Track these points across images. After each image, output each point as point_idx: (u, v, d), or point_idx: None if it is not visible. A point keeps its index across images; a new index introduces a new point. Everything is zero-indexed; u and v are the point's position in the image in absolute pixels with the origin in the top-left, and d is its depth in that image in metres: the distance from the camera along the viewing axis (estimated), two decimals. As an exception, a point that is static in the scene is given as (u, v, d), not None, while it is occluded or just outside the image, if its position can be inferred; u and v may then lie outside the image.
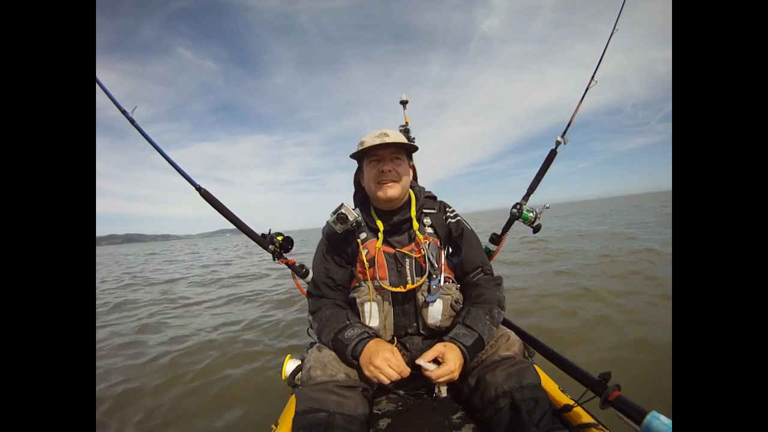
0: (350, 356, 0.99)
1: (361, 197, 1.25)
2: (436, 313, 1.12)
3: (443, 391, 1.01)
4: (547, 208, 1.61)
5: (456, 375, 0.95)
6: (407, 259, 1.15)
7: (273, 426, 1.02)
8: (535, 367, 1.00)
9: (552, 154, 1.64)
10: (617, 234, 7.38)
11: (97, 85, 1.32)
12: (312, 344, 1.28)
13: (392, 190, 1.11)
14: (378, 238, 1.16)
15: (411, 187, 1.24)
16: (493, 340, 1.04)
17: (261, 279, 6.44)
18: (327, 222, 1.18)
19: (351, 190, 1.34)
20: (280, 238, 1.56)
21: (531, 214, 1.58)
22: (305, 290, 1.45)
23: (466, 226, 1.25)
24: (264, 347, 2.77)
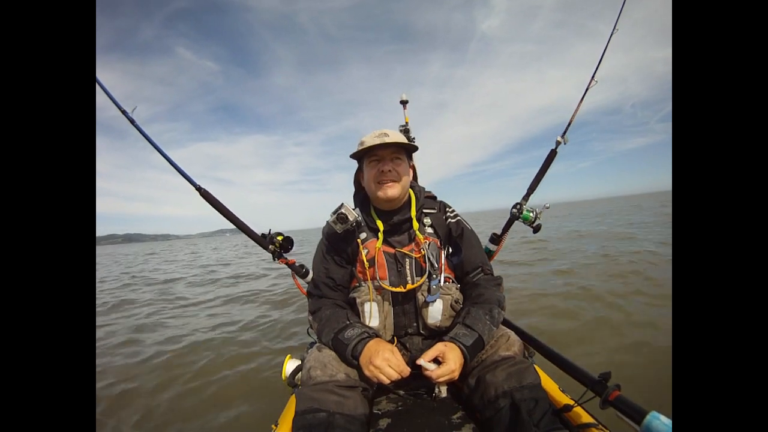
0: (350, 356, 0.99)
1: (361, 197, 1.25)
2: (436, 313, 1.12)
3: (443, 391, 1.01)
4: (547, 208, 1.61)
5: (456, 375, 0.95)
6: (407, 259, 1.15)
7: (273, 426, 1.02)
8: (535, 367, 1.00)
9: (552, 154, 1.64)
10: (617, 234, 7.38)
11: (97, 85, 1.32)
12: (312, 344, 1.28)
13: (392, 190, 1.11)
14: (378, 238, 1.16)
15: (411, 187, 1.24)
16: (493, 340, 1.04)
17: (260, 279, 6.44)
18: (327, 222, 1.18)
19: (351, 190, 1.34)
20: (280, 238, 1.56)
21: (531, 214, 1.58)
22: (305, 290, 1.45)
23: (466, 226, 1.25)
24: (263, 347, 2.77)
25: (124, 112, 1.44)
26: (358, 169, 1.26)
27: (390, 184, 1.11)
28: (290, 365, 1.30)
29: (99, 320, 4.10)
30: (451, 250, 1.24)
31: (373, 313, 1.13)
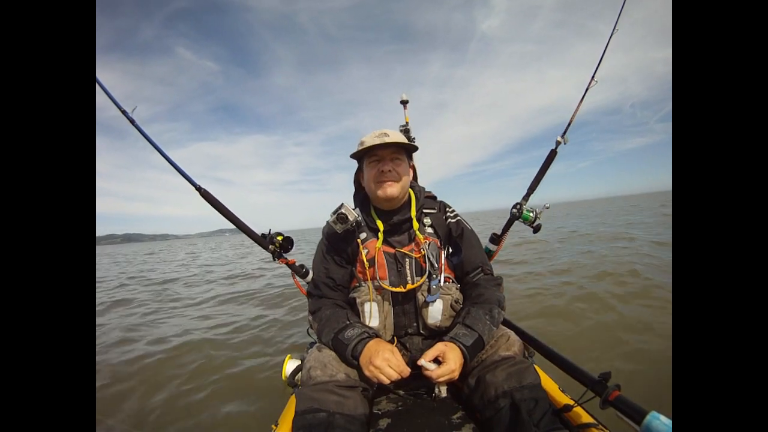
0: (350, 356, 0.99)
1: (361, 197, 1.25)
2: (436, 313, 1.12)
3: (443, 391, 1.01)
4: (547, 208, 1.61)
5: (456, 375, 0.95)
6: (407, 259, 1.15)
7: (273, 426, 1.02)
8: (535, 367, 1.00)
9: (552, 154, 1.64)
10: (617, 235, 7.38)
11: (97, 85, 1.32)
12: (312, 344, 1.28)
13: (392, 189, 1.11)
14: (378, 238, 1.16)
15: (411, 187, 1.24)
16: (493, 340, 1.04)
17: (258, 279, 6.43)
18: (327, 222, 1.18)
19: (351, 190, 1.34)
20: (280, 238, 1.56)
21: (531, 214, 1.58)
22: (305, 290, 1.45)
23: (466, 226, 1.25)
24: (262, 347, 2.77)
25: (124, 112, 1.44)
26: (358, 169, 1.26)
27: (390, 183, 1.11)
28: (290, 365, 1.30)
29: (97, 320, 4.10)
30: (451, 250, 1.24)
31: (373, 313, 1.13)
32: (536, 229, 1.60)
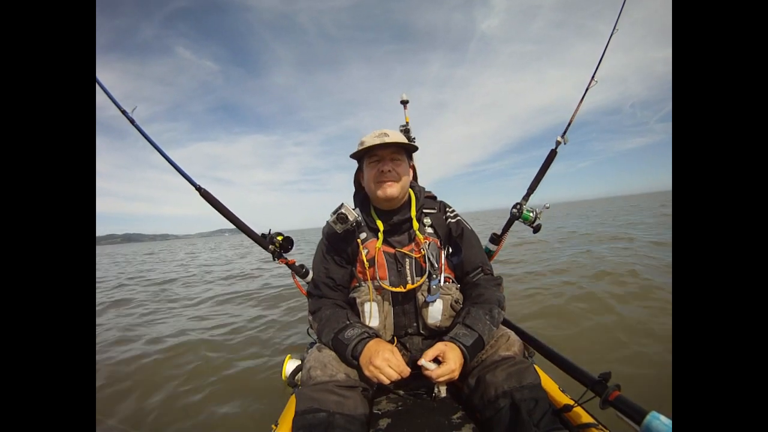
0: (350, 356, 0.99)
1: (361, 197, 1.25)
2: (436, 313, 1.12)
3: (443, 391, 1.01)
4: (547, 208, 1.62)
5: (456, 375, 0.95)
6: (407, 259, 1.15)
7: (273, 426, 1.02)
8: (535, 367, 1.00)
9: (552, 154, 1.64)
10: (616, 235, 7.38)
11: (97, 85, 1.32)
12: (312, 344, 1.28)
13: (391, 190, 1.11)
14: (378, 238, 1.16)
15: (411, 187, 1.24)
16: (493, 340, 1.04)
17: (256, 278, 6.43)
18: (327, 222, 1.18)
19: (350, 190, 1.34)
20: (280, 238, 1.56)
21: (531, 214, 1.58)
22: (305, 290, 1.45)
23: (466, 226, 1.25)
24: (262, 347, 2.76)
25: (124, 112, 1.44)
26: (358, 169, 1.26)
27: (389, 183, 1.10)
28: (290, 365, 1.30)
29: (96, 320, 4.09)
30: (451, 250, 1.24)
31: (373, 313, 1.13)
32: (536, 229, 1.60)
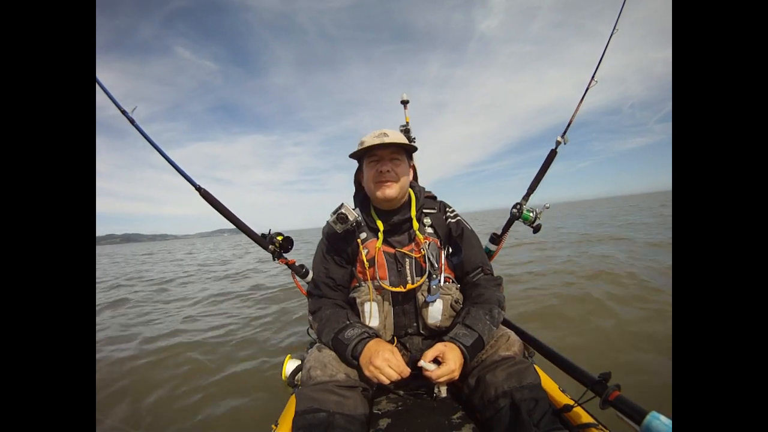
0: (350, 356, 0.98)
1: (361, 197, 1.25)
2: (436, 313, 1.12)
3: (444, 391, 1.01)
4: (547, 208, 1.62)
5: (456, 375, 0.95)
6: (407, 259, 1.15)
7: (273, 426, 1.02)
8: (535, 367, 1.00)
9: (552, 154, 1.64)
10: (615, 236, 7.38)
11: (96, 85, 1.32)
12: (312, 344, 1.28)
13: (390, 190, 1.11)
14: (378, 238, 1.16)
15: (411, 187, 1.24)
16: (493, 340, 1.04)
17: (256, 279, 6.43)
18: (327, 222, 1.18)
19: (349, 190, 1.34)
20: (280, 238, 1.56)
21: (531, 214, 1.58)
22: (305, 290, 1.45)
23: (466, 226, 1.25)
24: (261, 347, 2.76)
25: (124, 112, 1.44)
26: (358, 168, 1.26)
27: (388, 184, 1.10)
28: (290, 365, 1.30)
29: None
30: (451, 250, 1.24)
31: (373, 313, 1.13)
32: (536, 229, 1.60)
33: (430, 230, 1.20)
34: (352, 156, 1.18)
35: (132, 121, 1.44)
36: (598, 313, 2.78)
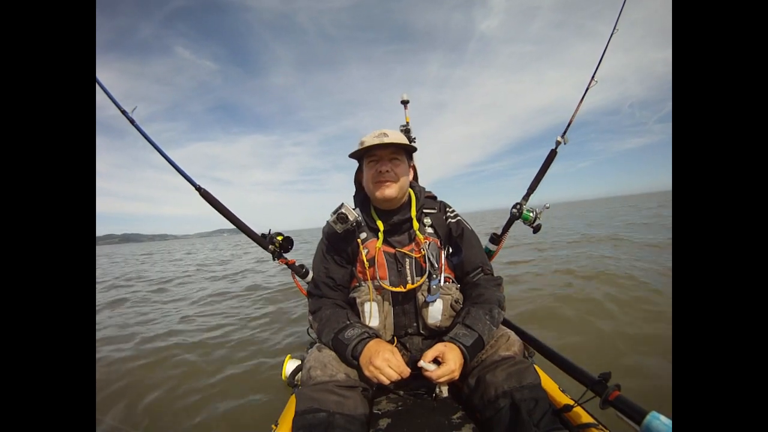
0: (350, 356, 0.98)
1: (362, 197, 1.25)
2: (436, 313, 1.12)
3: (444, 391, 1.01)
4: (547, 208, 1.62)
5: (456, 375, 0.95)
6: (407, 259, 1.15)
7: (273, 426, 1.02)
8: (535, 367, 1.00)
9: (552, 154, 1.65)
10: (614, 236, 7.38)
11: (96, 85, 1.32)
12: (312, 344, 1.28)
13: (389, 190, 1.11)
14: (378, 238, 1.16)
15: (411, 187, 1.24)
16: (493, 340, 1.04)
17: (254, 279, 6.43)
18: (327, 222, 1.18)
19: (349, 190, 1.34)
20: (279, 238, 1.56)
21: (531, 214, 1.58)
22: (305, 290, 1.44)
23: (466, 226, 1.25)
24: (260, 346, 2.76)
25: (124, 113, 1.44)
26: (358, 168, 1.26)
27: (387, 184, 1.10)
28: (290, 365, 1.30)
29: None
30: (451, 250, 1.24)
31: (373, 313, 1.13)
32: (536, 229, 1.60)
33: (430, 230, 1.20)
34: (351, 156, 1.18)
35: (132, 121, 1.44)
36: (597, 314, 2.77)
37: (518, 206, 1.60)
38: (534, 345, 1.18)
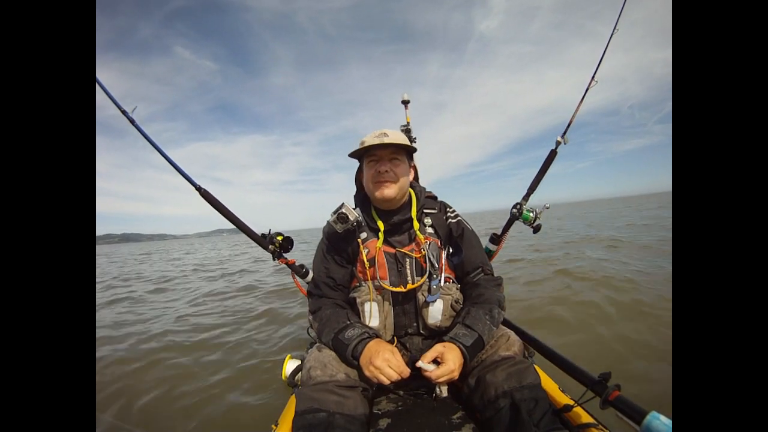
0: (350, 356, 0.99)
1: (362, 197, 1.25)
2: (436, 313, 1.12)
3: (444, 391, 1.01)
4: (547, 208, 1.62)
5: (456, 375, 0.95)
6: (407, 259, 1.15)
7: (273, 426, 1.02)
8: (535, 367, 1.01)
9: (552, 155, 1.65)
10: (613, 237, 7.38)
11: (96, 85, 1.32)
12: (312, 344, 1.28)
13: (389, 191, 1.11)
14: (378, 238, 1.16)
15: (412, 187, 1.24)
16: (493, 340, 1.04)
17: (253, 279, 6.42)
18: (328, 221, 1.18)
19: (348, 190, 1.34)
20: (279, 238, 1.56)
21: (531, 215, 1.58)
22: (305, 290, 1.44)
23: (466, 227, 1.25)
24: (260, 346, 2.76)
25: (124, 113, 1.44)
26: (358, 168, 1.26)
27: (387, 184, 1.10)
28: (290, 365, 1.30)
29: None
30: (451, 250, 1.24)
31: (373, 313, 1.13)
32: (536, 229, 1.60)
33: (430, 230, 1.20)
34: (351, 155, 1.18)
35: (132, 121, 1.44)
36: (597, 317, 2.76)
37: (518, 206, 1.60)
38: (534, 345, 1.18)
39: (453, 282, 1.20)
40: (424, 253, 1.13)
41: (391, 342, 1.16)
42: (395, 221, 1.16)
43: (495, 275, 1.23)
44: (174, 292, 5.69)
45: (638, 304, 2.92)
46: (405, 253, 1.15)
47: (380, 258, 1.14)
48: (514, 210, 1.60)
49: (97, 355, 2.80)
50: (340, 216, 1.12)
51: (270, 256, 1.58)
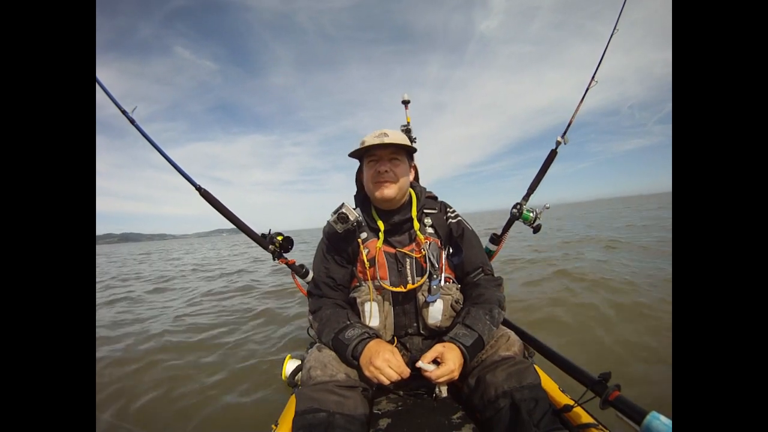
0: (350, 356, 0.99)
1: (362, 197, 1.25)
2: (436, 313, 1.13)
3: (444, 391, 1.01)
4: (548, 208, 1.62)
5: (456, 375, 0.95)
6: (408, 259, 1.15)
7: (273, 426, 1.02)
8: (535, 367, 1.01)
9: (552, 155, 1.65)
10: (612, 238, 7.38)
11: (96, 85, 1.31)
12: (312, 344, 1.28)
13: (388, 191, 1.11)
14: (379, 238, 1.16)
15: (412, 187, 1.24)
16: (493, 340, 1.04)
17: (252, 279, 6.42)
18: (328, 221, 1.18)
19: (348, 190, 1.34)
20: (280, 238, 1.56)
21: (531, 215, 1.59)
22: (305, 290, 1.44)
23: (466, 227, 1.25)
24: (260, 346, 2.76)
25: (124, 112, 1.44)
26: (359, 168, 1.26)
27: (387, 184, 1.10)
28: (290, 365, 1.30)
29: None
30: (451, 250, 1.24)
31: (373, 313, 1.13)
32: (536, 230, 1.60)
33: (430, 230, 1.20)
34: (351, 155, 1.18)
35: (132, 121, 1.44)
36: (596, 319, 2.76)
37: (518, 206, 1.61)
38: (534, 345, 1.18)
39: (453, 282, 1.20)
40: (424, 253, 1.14)
41: (391, 342, 1.16)
42: (395, 221, 1.16)
43: (495, 275, 1.24)
44: (173, 291, 5.69)
45: (638, 306, 2.90)
46: (405, 253, 1.15)
47: (380, 258, 1.14)
48: (514, 210, 1.61)
49: (97, 355, 2.80)
50: (340, 216, 1.12)
51: (269, 255, 1.58)
